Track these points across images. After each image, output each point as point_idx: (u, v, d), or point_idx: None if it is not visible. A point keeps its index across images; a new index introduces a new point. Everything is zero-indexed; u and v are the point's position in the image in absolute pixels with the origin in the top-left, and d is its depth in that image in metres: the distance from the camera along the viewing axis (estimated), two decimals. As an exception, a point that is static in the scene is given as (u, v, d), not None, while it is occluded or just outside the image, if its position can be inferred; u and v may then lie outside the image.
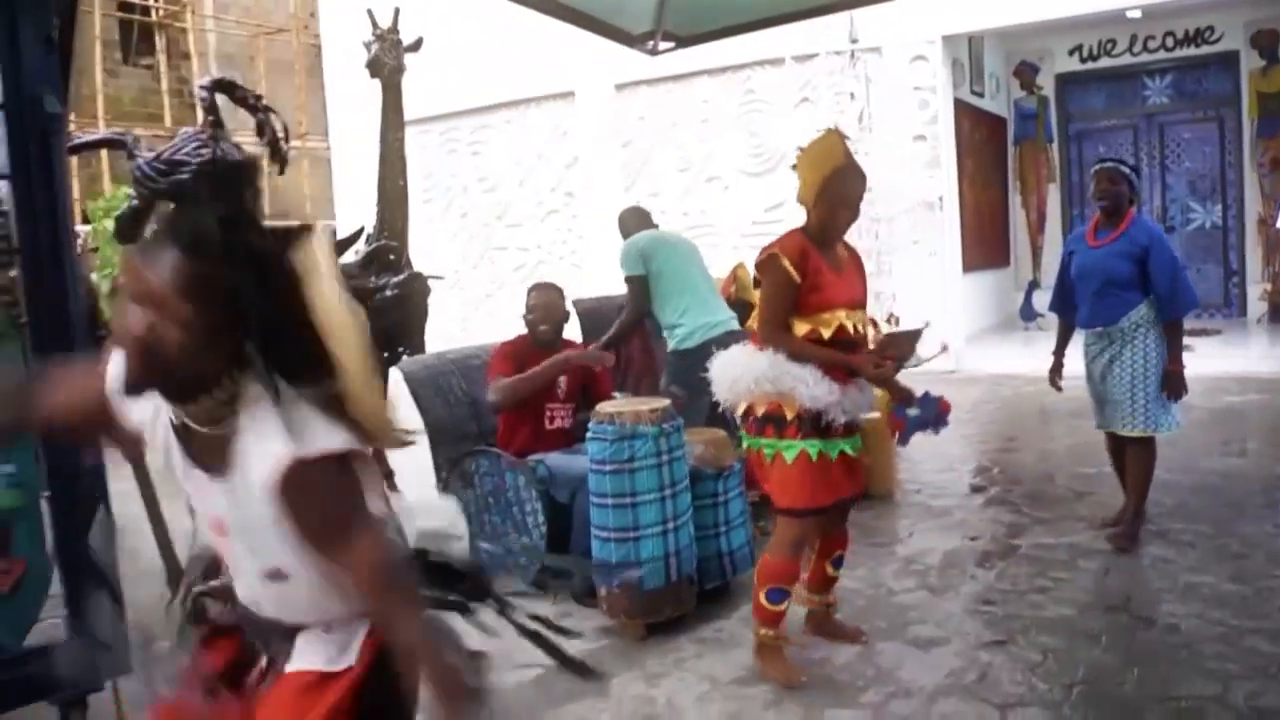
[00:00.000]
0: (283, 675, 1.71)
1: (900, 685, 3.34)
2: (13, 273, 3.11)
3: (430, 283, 5.62)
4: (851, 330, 3.39)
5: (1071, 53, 12.41)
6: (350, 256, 5.68)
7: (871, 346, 6.56)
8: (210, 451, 1.56)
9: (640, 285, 5.23)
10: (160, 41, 19.18)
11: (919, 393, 3.58)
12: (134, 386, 1.51)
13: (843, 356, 3.35)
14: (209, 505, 1.62)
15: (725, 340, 3.90)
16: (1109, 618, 3.79)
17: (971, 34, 11.06)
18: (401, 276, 4.99)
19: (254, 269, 1.47)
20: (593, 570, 3.96)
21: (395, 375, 4.77)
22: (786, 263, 3.32)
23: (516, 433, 4.45)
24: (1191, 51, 11.73)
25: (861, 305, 3.50)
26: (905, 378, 3.59)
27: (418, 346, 5.56)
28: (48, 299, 3.13)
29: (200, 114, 4.95)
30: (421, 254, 6.26)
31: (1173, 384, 4.49)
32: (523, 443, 4.44)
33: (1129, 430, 4.56)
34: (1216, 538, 4.59)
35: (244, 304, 1.46)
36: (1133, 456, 4.66)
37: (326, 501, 1.50)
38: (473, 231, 13.01)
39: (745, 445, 3.51)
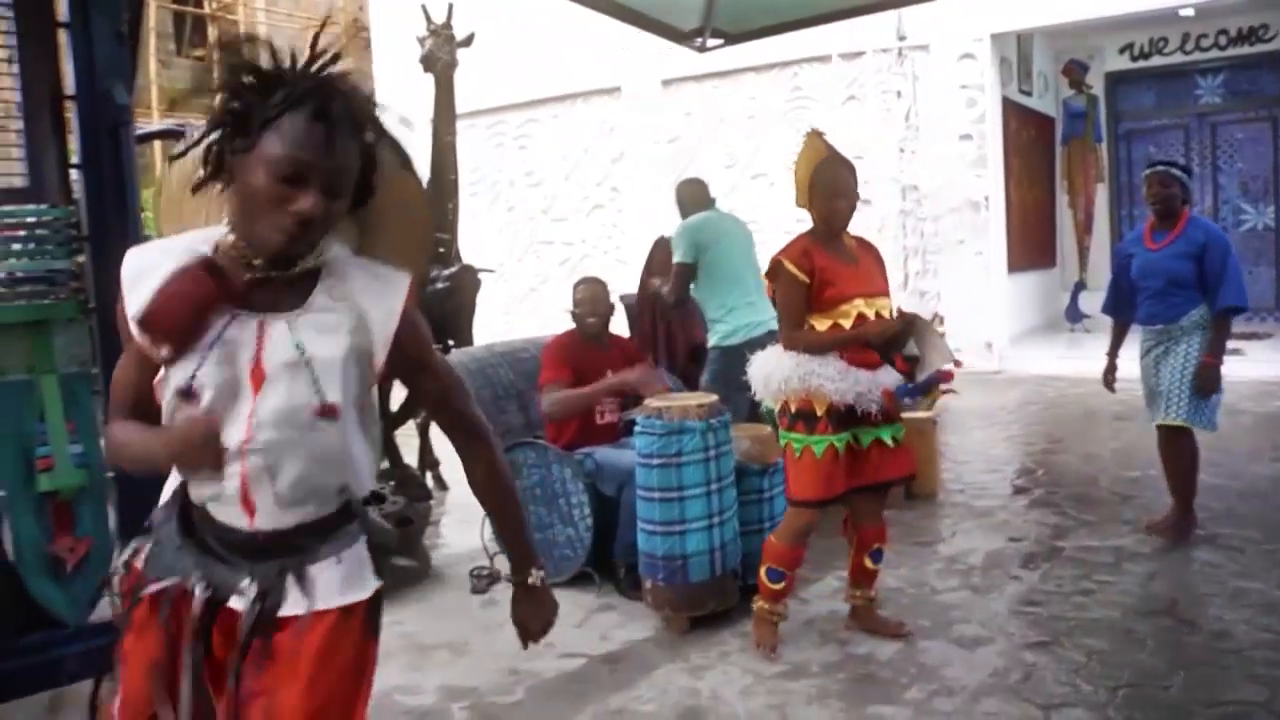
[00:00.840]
0: (295, 619, 1.63)
1: (943, 683, 3.36)
2: (81, 259, 3.20)
3: (480, 276, 5.68)
4: (873, 317, 3.49)
5: (1122, 51, 12.28)
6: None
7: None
8: (285, 295, 1.66)
9: (687, 274, 5.24)
10: (213, 33, 19.45)
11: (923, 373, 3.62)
12: (280, 261, 1.63)
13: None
14: (261, 350, 1.62)
15: (764, 341, 3.94)
16: (1155, 621, 3.78)
17: (1020, 32, 10.97)
18: (453, 269, 5.05)
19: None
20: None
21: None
22: (790, 265, 3.50)
23: (565, 426, 4.49)
24: (1244, 50, 11.57)
25: (881, 293, 3.59)
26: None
27: (466, 339, 5.62)
28: (116, 285, 3.21)
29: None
30: (467, 247, 6.33)
31: (1204, 376, 4.50)
32: (570, 436, 4.49)
33: (1168, 418, 4.59)
34: (1265, 543, 4.55)
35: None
36: (1172, 449, 4.69)
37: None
38: (518, 225, 13.08)
39: (781, 441, 3.60)
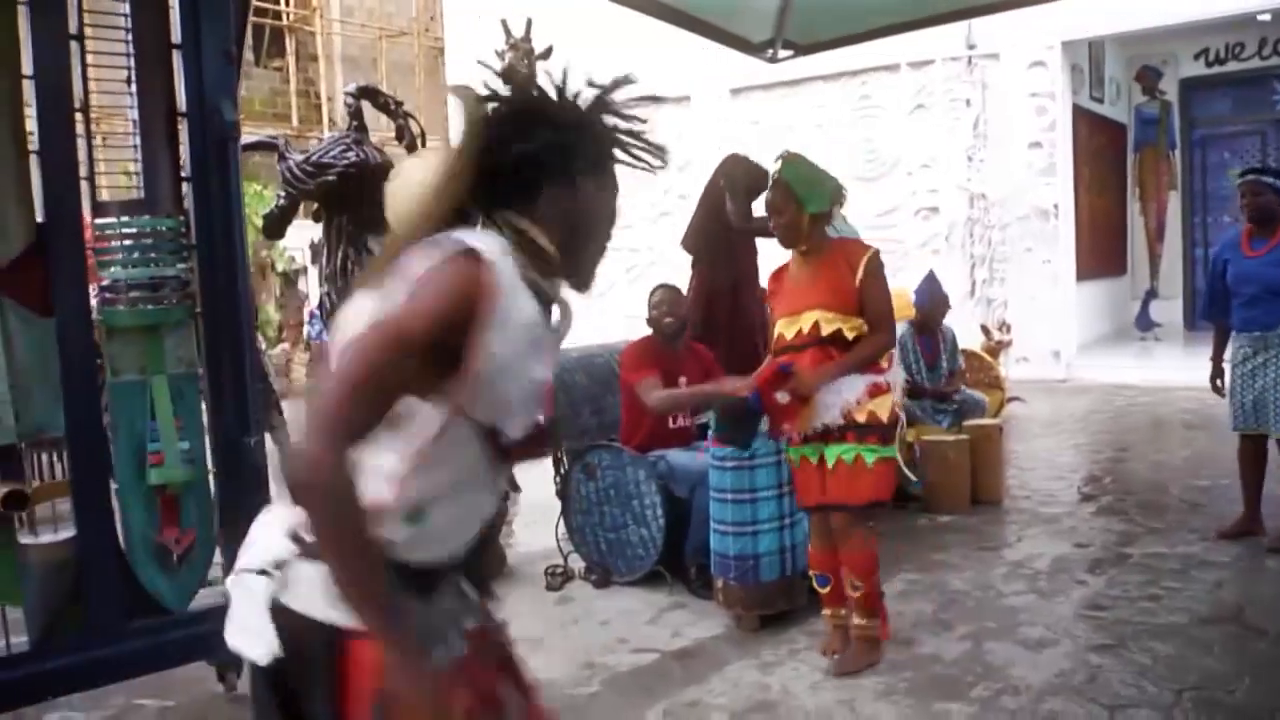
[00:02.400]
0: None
1: (1009, 683, 3.43)
2: (188, 265, 3.41)
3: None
4: (791, 335, 3.58)
5: (1197, 57, 12.14)
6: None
7: (980, 349, 6.51)
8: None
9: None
10: (290, 44, 19.94)
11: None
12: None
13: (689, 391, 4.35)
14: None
15: None
16: (1222, 627, 3.81)
17: (1092, 39, 10.92)
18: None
19: None
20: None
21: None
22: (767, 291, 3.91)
23: (638, 429, 4.63)
24: (1324, 56, 11.40)
25: (808, 308, 3.54)
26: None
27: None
28: (221, 291, 3.43)
29: (323, 114, 5.26)
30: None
31: None
32: (644, 439, 4.63)
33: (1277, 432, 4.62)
34: (1337, 553, 4.55)
35: None
36: None
37: None
38: (586, 232, 13.28)
39: None
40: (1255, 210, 4.67)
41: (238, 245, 3.47)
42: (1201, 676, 3.39)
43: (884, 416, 3.48)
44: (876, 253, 3.59)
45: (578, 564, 4.79)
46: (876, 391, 3.49)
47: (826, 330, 3.48)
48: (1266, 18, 10.51)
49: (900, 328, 6.32)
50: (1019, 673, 3.51)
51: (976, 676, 3.50)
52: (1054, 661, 3.59)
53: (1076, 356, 10.53)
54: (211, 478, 3.48)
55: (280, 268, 14.55)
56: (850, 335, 3.48)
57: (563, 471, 4.87)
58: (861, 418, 3.45)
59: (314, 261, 15.76)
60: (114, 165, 3.58)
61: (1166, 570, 4.47)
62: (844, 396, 3.47)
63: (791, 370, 3.43)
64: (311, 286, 14.97)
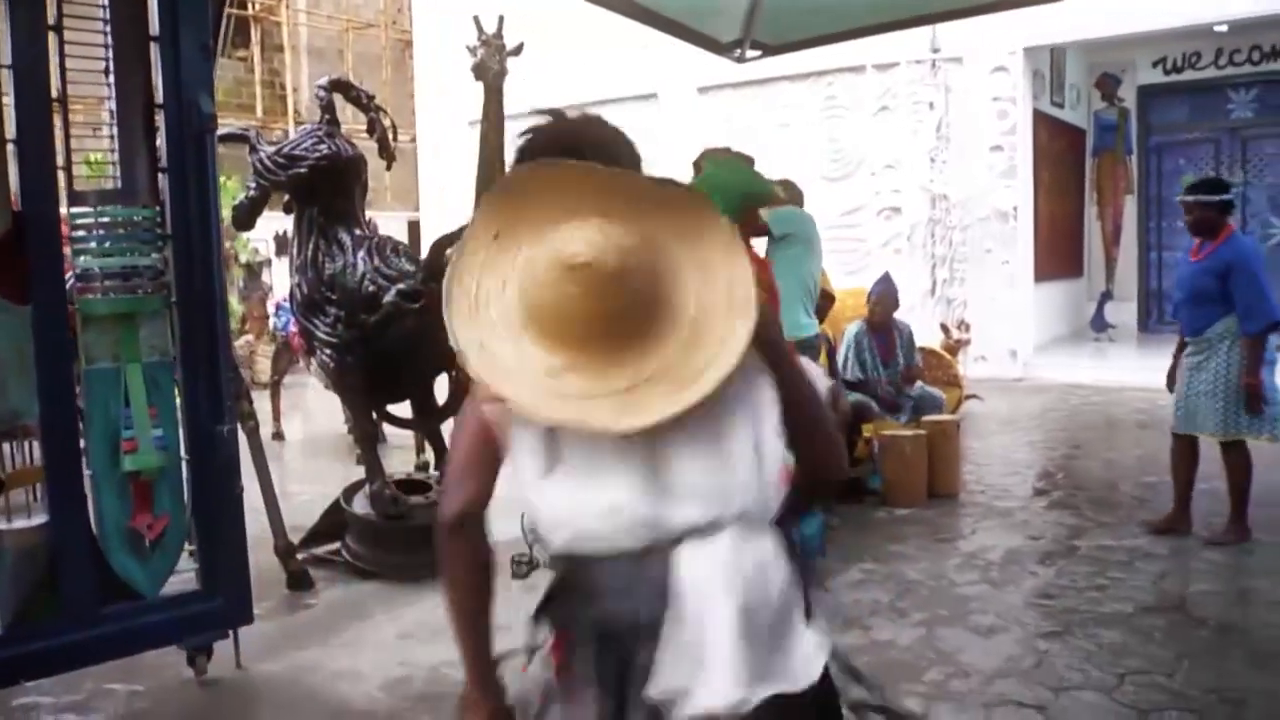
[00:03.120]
0: None
1: (960, 667, 3.56)
2: (163, 255, 3.46)
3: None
4: None
5: (1155, 65, 12.40)
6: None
7: (939, 347, 6.62)
8: None
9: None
10: (255, 34, 19.82)
11: None
12: None
13: None
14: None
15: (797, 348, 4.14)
16: (1164, 616, 3.96)
17: (1054, 45, 11.12)
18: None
19: None
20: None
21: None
22: None
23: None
24: (1277, 65, 11.67)
25: None
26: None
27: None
28: (196, 282, 3.48)
29: (288, 105, 5.30)
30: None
31: (1249, 398, 4.66)
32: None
33: (1216, 435, 4.78)
34: (1276, 546, 4.73)
35: None
36: (1227, 461, 4.87)
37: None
38: (552, 227, 13.34)
39: None
40: (1193, 225, 4.91)
41: (213, 236, 3.52)
42: (1143, 661, 3.54)
43: None
44: (761, 262, 3.74)
45: (543, 554, 4.87)
46: None
47: None
48: (1223, 29, 10.75)
49: (854, 326, 6.51)
50: (970, 658, 3.64)
51: (930, 661, 3.63)
52: (1003, 647, 3.72)
53: (1033, 356, 10.74)
54: (184, 465, 3.54)
55: (244, 259, 14.50)
56: None
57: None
58: None
59: (279, 253, 15.71)
60: (93, 156, 3.63)
61: (1113, 562, 4.62)
62: None
63: None
64: (276, 278, 14.93)
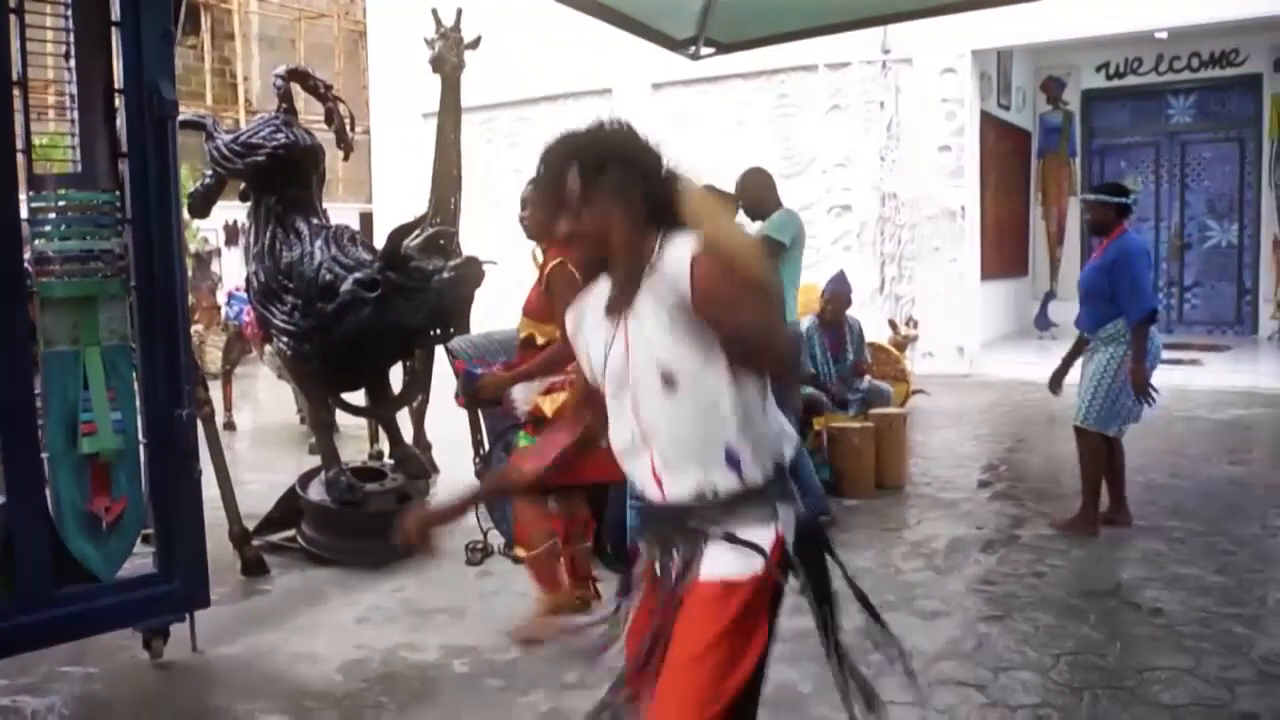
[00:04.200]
0: (694, 584, 1.88)
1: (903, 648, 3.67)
2: (123, 240, 3.47)
3: (484, 268, 5.95)
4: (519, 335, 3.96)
5: (1098, 70, 12.71)
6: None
7: (887, 343, 6.74)
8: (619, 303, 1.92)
9: (777, 254, 5.17)
10: (206, 21, 19.60)
11: None
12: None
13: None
14: (616, 354, 1.90)
15: None
16: (1099, 600, 4.12)
17: (1001, 49, 11.36)
18: (458, 261, 5.34)
19: None
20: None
21: (441, 353, 5.14)
22: None
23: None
24: (1216, 73, 12.03)
25: (523, 311, 3.95)
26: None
27: (464, 327, 5.90)
28: (155, 267, 3.50)
29: (238, 93, 5.29)
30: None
31: (1139, 385, 4.82)
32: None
33: (1077, 420, 5.00)
34: (1208, 535, 4.92)
35: None
36: (1080, 448, 5.09)
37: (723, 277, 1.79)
38: (505, 221, 13.32)
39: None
40: (1092, 224, 5.11)
41: (173, 221, 3.54)
42: (1078, 643, 3.68)
43: (548, 411, 3.71)
44: (561, 263, 3.60)
45: (497, 540, 4.92)
46: (550, 389, 3.75)
47: (523, 333, 3.91)
48: (1164, 35, 11.06)
49: (806, 321, 6.63)
50: (914, 640, 3.74)
51: (875, 643, 3.73)
52: (946, 630, 3.85)
53: (979, 353, 10.96)
54: (142, 449, 3.55)
55: (193, 249, 14.34)
56: (542, 340, 3.81)
57: (483, 452, 5.00)
58: (527, 409, 3.82)
59: (229, 243, 15.56)
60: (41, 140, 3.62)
61: (1052, 550, 4.78)
62: (523, 394, 3.84)
63: (477, 376, 3.90)
64: (226, 268, 14.80)
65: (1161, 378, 5.08)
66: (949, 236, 10.84)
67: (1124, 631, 3.78)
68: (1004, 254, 12.29)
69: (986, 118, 11.38)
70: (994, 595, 4.23)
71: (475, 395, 3.91)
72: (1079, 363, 5.13)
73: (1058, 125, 13.09)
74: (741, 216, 5.44)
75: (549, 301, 3.64)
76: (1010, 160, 12.50)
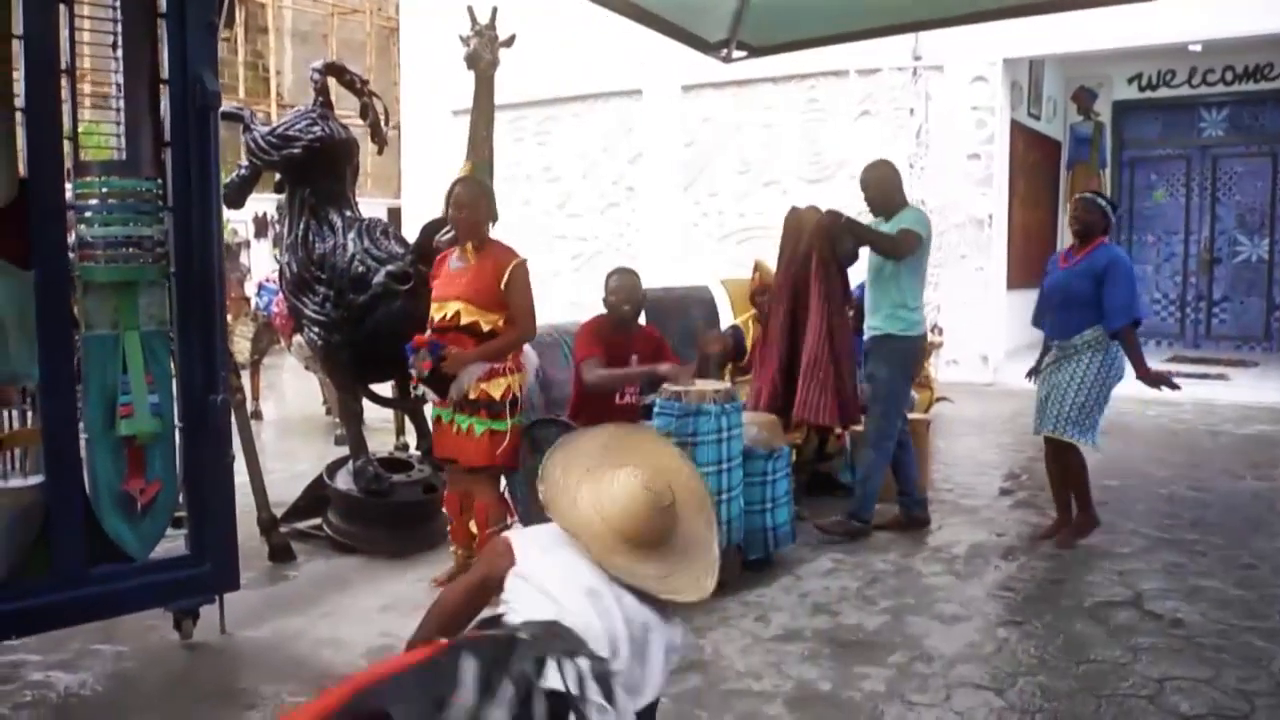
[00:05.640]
0: None
1: (924, 651, 3.70)
2: (164, 227, 3.54)
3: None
4: (439, 319, 4.24)
5: (1130, 81, 12.64)
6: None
7: None
8: None
9: (916, 246, 5.12)
10: (240, 15, 19.77)
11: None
12: None
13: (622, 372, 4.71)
14: None
15: None
16: (1119, 610, 4.12)
17: (1033, 58, 11.32)
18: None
19: None
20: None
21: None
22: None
23: (587, 406, 4.83)
24: (1249, 87, 11.94)
25: (452, 298, 4.22)
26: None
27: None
28: (194, 254, 3.57)
29: (270, 87, 5.36)
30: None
31: (1151, 380, 4.83)
32: (591, 415, 4.80)
33: (1055, 433, 4.98)
34: (1229, 549, 4.91)
35: None
36: (1064, 463, 5.08)
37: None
38: (533, 219, 13.41)
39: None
40: (1078, 225, 5.05)
41: (213, 210, 3.61)
42: (1097, 651, 3.70)
43: (496, 395, 4.18)
44: (522, 262, 4.23)
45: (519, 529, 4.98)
46: (492, 375, 4.18)
47: (465, 320, 4.16)
48: (1197, 48, 10.99)
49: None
50: (933, 643, 3.78)
51: (895, 645, 3.77)
52: (965, 634, 3.87)
53: (1004, 362, 10.93)
54: (177, 432, 3.62)
55: (224, 240, 14.49)
56: (486, 328, 4.18)
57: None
58: (474, 395, 4.17)
59: (258, 235, 15.71)
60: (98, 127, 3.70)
61: (1073, 559, 4.79)
62: (468, 377, 4.15)
63: (442, 350, 4.12)
64: (255, 260, 14.93)
65: (1187, 392, 5.09)
66: (976, 245, 10.82)
67: (1144, 642, 3.78)
68: (1030, 263, 12.20)
69: (1016, 127, 11.35)
70: (1013, 601, 4.24)
71: (437, 367, 4.14)
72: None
73: (1088, 136, 13.03)
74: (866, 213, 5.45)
75: (501, 294, 4.15)
76: (1039, 170, 12.46)
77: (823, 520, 5.16)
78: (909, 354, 5.24)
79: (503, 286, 4.18)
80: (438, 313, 4.25)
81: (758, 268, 5.92)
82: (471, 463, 4.27)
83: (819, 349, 5.20)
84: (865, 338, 5.26)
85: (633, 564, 2.17)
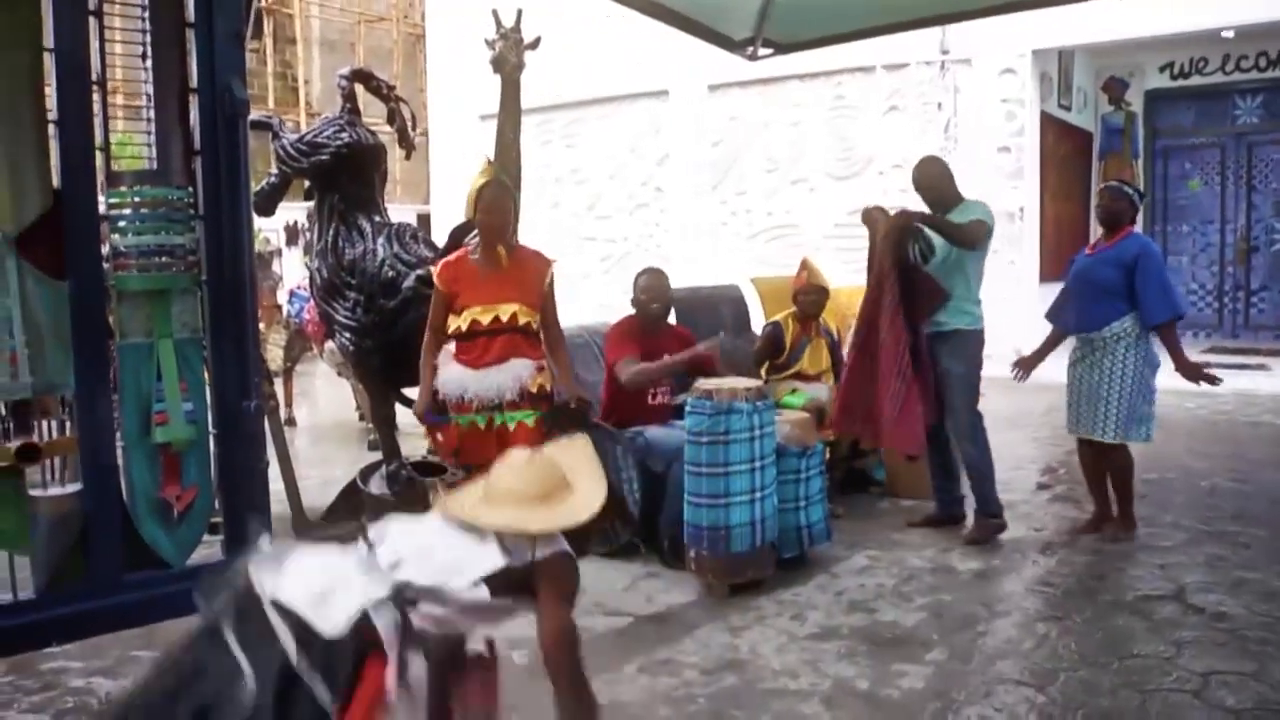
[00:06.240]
0: None
1: (962, 647, 3.67)
2: (195, 235, 3.56)
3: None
4: (487, 322, 4.07)
5: (1162, 69, 12.49)
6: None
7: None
8: None
9: (984, 234, 5.03)
10: (268, 26, 19.94)
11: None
12: None
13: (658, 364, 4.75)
14: None
15: None
16: (1161, 604, 4.06)
17: (1062, 48, 11.21)
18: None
19: None
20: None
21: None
22: (436, 278, 4.19)
23: (619, 405, 4.83)
24: (1284, 72, 11.77)
25: (502, 300, 4.09)
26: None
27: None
28: (226, 262, 3.59)
29: (299, 96, 5.39)
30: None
31: (1191, 374, 4.78)
32: (623, 415, 4.82)
33: (1102, 437, 4.88)
34: (1272, 540, 4.83)
35: None
36: (1111, 463, 5.00)
37: None
38: (562, 221, 13.44)
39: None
40: (1105, 214, 4.96)
41: (243, 217, 3.62)
42: (1140, 645, 3.64)
43: (547, 386, 4.15)
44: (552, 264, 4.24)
45: (555, 536, 4.98)
46: (541, 370, 4.13)
47: (522, 321, 4.08)
48: (1230, 35, 10.86)
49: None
50: (971, 639, 3.74)
51: (932, 642, 3.73)
52: (1004, 630, 3.83)
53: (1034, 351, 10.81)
54: (212, 439, 3.64)
55: (255, 249, 14.60)
56: (535, 327, 4.16)
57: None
58: (534, 388, 4.09)
59: (289, 243, 15.82)
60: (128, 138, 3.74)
61: (1114, 552, 4.73)
62: (527, 374, 4.08)
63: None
64: (286, 268, 15.03)
65: (1227, 383, 5.02)
66: (1007, 238, 10.70)
67: (1188, 636, 3.72)
68: (1063, 256, 12.01)
69: (1046, 118, 11.25)
70: (1053, 596, 4.19)
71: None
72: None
73: (1120, 126, 12.88)
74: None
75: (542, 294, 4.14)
76: (1070, 162, 12.33)
77: (968, 535, 5.01)
78: (979, 347, 5.15)
79: (546, 287, 4.18)
80: (485, 315, 4.06)
81: (805, 266, 5.87)
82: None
83: (896, 369, 4.82)
84: (927, 333, 5.06)
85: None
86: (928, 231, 5.05)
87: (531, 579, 2.30)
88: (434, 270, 4.22)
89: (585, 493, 2.37)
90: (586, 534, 2.49)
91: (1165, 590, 4.22)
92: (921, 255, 5.04)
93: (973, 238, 4.95)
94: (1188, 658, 3.52)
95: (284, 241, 15.97)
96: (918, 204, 5.33)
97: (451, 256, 4.31)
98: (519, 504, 2.29)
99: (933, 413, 4.98)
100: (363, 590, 2.05)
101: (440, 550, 2.24)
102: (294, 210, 14.11)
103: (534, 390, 4.10)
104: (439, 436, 4.43)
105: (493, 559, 2.23)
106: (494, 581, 2.23)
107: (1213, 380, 4.80)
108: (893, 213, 5.09)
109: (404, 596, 2.08)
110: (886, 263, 4.91)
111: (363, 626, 2.00)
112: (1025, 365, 5.28)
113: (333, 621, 1.97)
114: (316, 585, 2.04)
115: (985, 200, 5.35)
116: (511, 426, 4.09)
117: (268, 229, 14.19)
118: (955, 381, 5.01)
